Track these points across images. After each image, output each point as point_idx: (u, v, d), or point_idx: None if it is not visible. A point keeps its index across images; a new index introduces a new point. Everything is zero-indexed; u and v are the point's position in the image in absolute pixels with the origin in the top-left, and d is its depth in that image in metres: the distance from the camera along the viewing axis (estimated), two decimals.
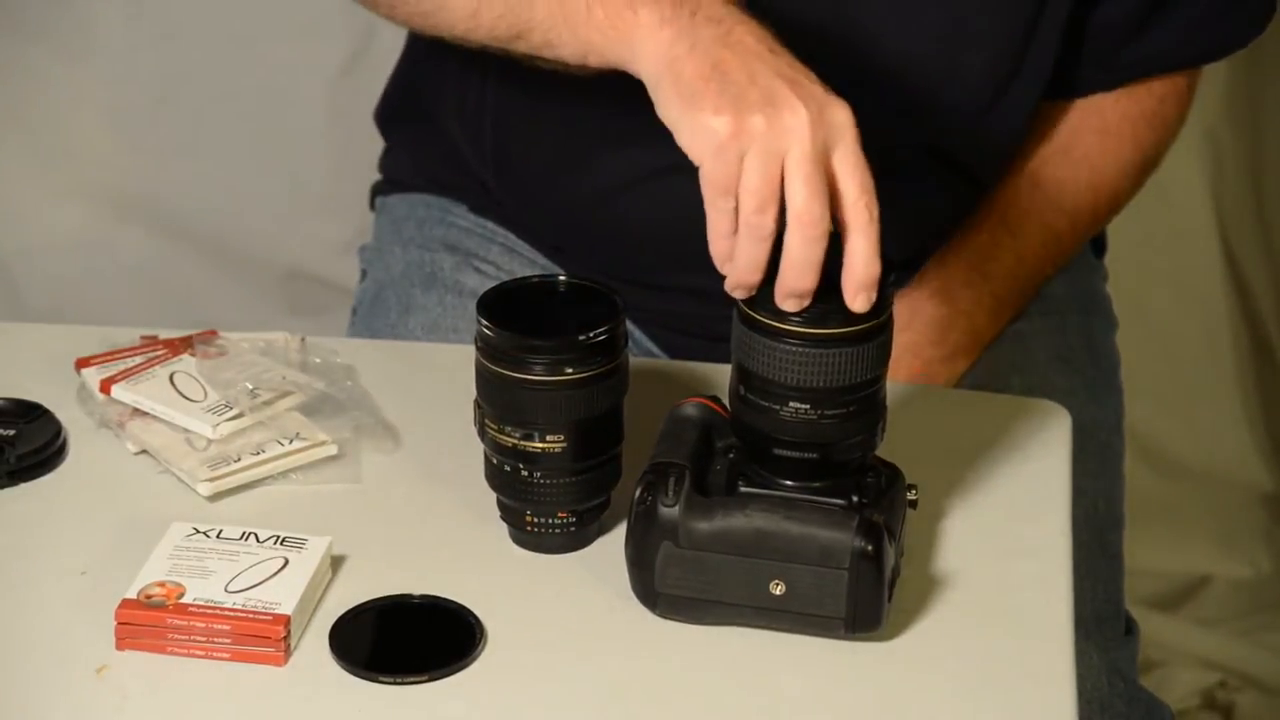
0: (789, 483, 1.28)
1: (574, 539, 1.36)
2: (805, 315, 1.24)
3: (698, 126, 1.23)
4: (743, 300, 1.26)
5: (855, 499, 1.27)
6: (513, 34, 1.37)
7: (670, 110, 1.25)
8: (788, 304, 1.23)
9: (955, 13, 1.56)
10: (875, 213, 1.23)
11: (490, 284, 1.37)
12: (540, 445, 1.32)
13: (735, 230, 1.23)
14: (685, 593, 1.27)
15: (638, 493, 1.27)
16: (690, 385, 1.50)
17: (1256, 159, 2.71)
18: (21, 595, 1.32)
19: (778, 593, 1.25)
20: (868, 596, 1.25)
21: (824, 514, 1.25)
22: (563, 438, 1.32)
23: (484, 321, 1.32)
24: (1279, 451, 2.77)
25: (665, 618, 1.28)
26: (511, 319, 1.32)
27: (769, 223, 1.22)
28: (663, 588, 1.27)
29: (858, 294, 1.23)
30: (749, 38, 1.26)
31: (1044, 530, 1.40)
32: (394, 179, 1.84)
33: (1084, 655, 1.31)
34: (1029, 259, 1.51)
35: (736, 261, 1.24)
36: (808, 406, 1.26)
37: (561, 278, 1.37)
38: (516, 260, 1.73)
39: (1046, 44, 1.59)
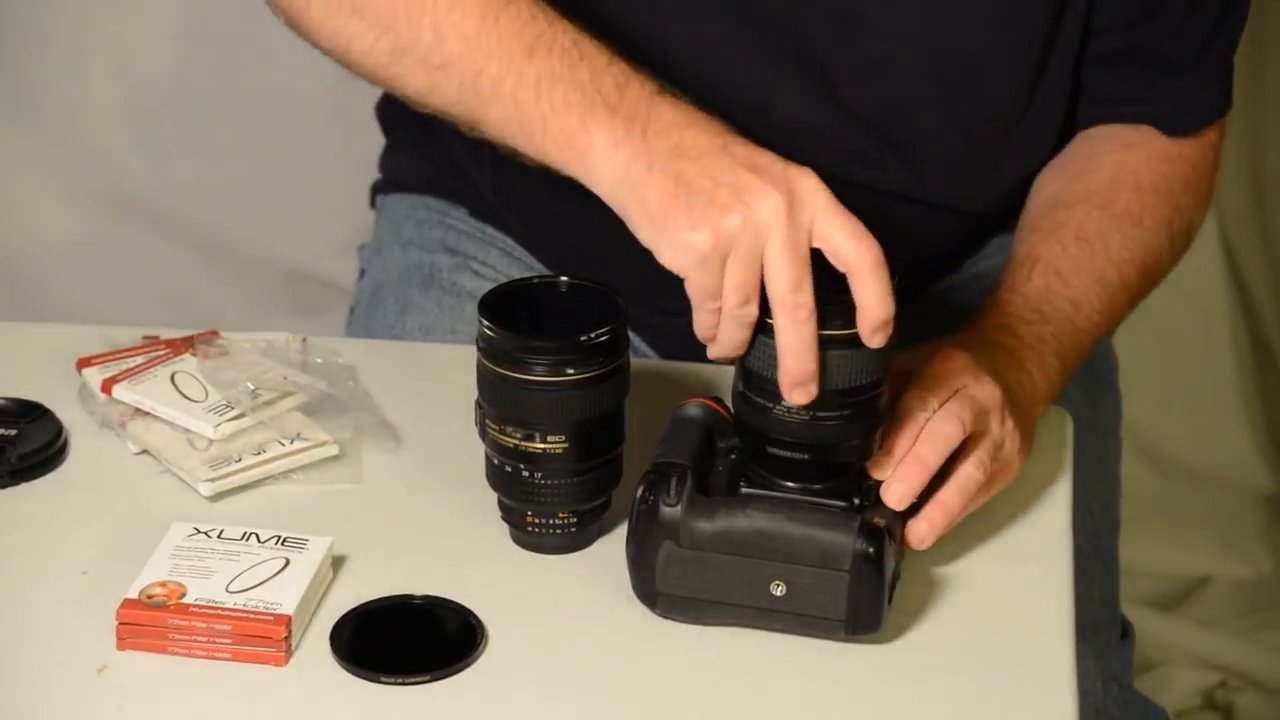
0: (790, 484, 1.28)
1: (575, 539, 1.36)
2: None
3: (678, 245, 1.25)
4: None
5: (857, 501, 1.28)
6: (467, 122, 1.38)
7: (646, 235, 1.28)
8: (796, 395, 1.25)
9: (965, 48, 1.55)
10: (877, 253, 1.24)
11: (488, 287, 1.37)
12: (541, 446, 1.32)
13: (719, 321, 1.27)
14: (685, 592, 1.27)
15: (639, 492, 1.27)
16: (691, 387, 1.51)
17: (1256, 159, 2.71)
18: (22, 595, 1.32)
19: (778, 594, 1.25)
20: (868, 599, 1.25)
21: (825, 515, 1.26)
22: (564, 438, 1.32)
23: (486, 322, 1.32)
24: (1279, 451, 2.77)
25: (665, 617, 1.28)
26: (513, 319, 1.32)
27: (752, 311, 1.26)
28: (663, 587, 1.27)
29: (874, 334, 1.25)
30: (701, 139, 1.28)
31: (1044, 532, 1.40)
32: (394, 179, 1.84)
33: (1080, 660, 1.30)
34: (1084, 308, 1.50)
35: (721, 342, 1.28)
36: (803, 407, 1.26)
37: (563, 278, 1.37)
38: (515, 265, 1.73)
39: (1055, 84, 1.59)
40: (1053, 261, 1.51)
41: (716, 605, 1.27)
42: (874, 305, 1.24)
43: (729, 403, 1.32)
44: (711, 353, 1.29)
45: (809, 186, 1.25)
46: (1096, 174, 1.59)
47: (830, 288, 1.25)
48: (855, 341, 1.25)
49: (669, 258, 1.26)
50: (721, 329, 1.27)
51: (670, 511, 1.26)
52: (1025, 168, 1.65)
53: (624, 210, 1.29)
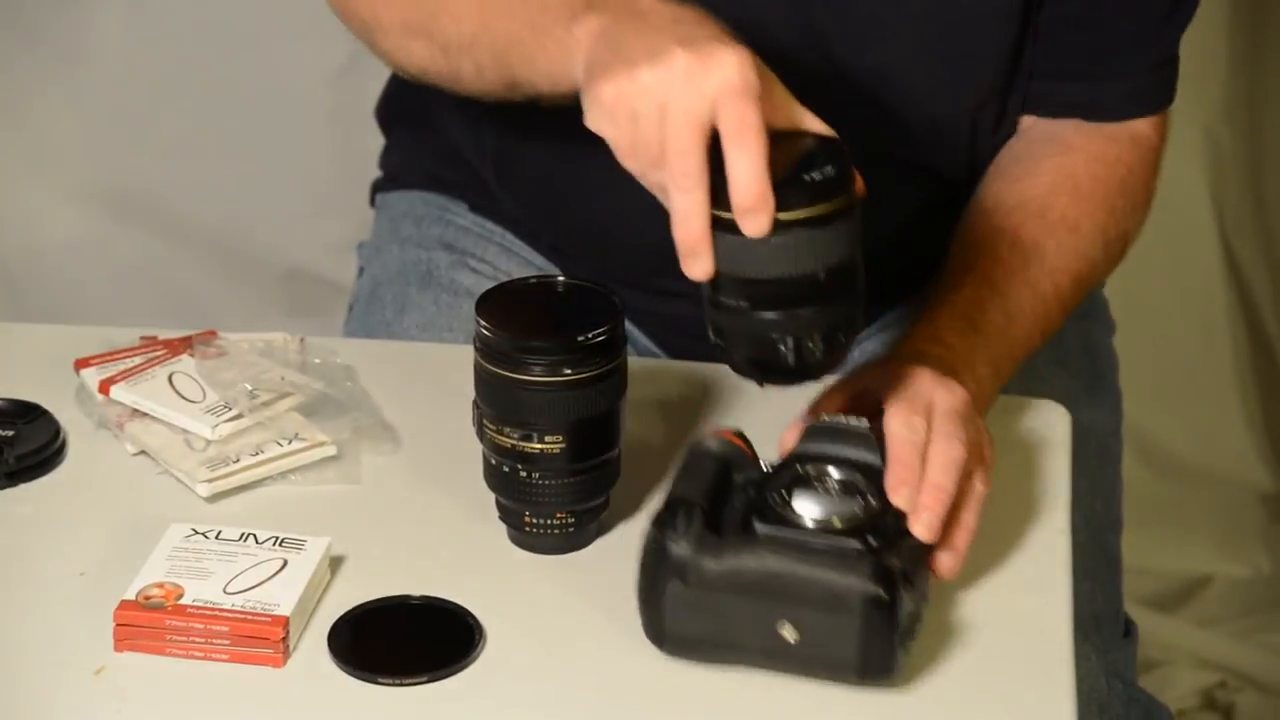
0: (801, 520, 1.24)
1: (573, 539, 1.36)
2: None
3: (590, 100, 1.26)
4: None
5: (872, 542, 1.23)
6: (507, 85, 1.41)
7: (582, 101, 1.27)
8: (689, 266, 1.23)
9: (950, 12, 1.56)
10: (755, 121, 1.22)
11: (486, 284, 1.37)
12: (539, 446, 1.32)
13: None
14: (694, 633, 1.24)
15: (649, 529, 1.24)
16: (690, 385, 1.50)
17: (1256, 159, 2.71)
18: (20, 596, 1.32)
19: (788, 636, 1.22)
20: (879, 644, 1.21)
21: (837, 557, 1.21)
22: (561, 438, 1.32)
23: (483, 322, 1.32)
24: (1279, 451, 2.77)
25: (673, 656, 1.25)
26: (510, 320, 1.32)
27: (661, 178, 1.23)
28: (671, 627, 1.24)
29: (745, 216, 1.22)
30: (660, 18, 1.27)
31: (1044, 532, 1.40)
32: (394, 175, 1.84)
33: (1082, 657, 1.30)
34: (1018, 318, 1.49)
35: (674, 225, 1.23)
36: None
37: (560, 278, 1.37)
38: (513, 260, 1.73)
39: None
40: (985, 271, 1.51)
41: (726, 647, 1.24)
42: (741, 179, 1.21)
43: (748, 434, 1.29)
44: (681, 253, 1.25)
45: (729, 60, 1.23)
46: (1036, 178, 1.58)
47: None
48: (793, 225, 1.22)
49: (587, 116, 1.27)
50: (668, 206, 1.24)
51: (678, 549, 1.22)
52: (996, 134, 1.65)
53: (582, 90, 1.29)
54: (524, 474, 1.33)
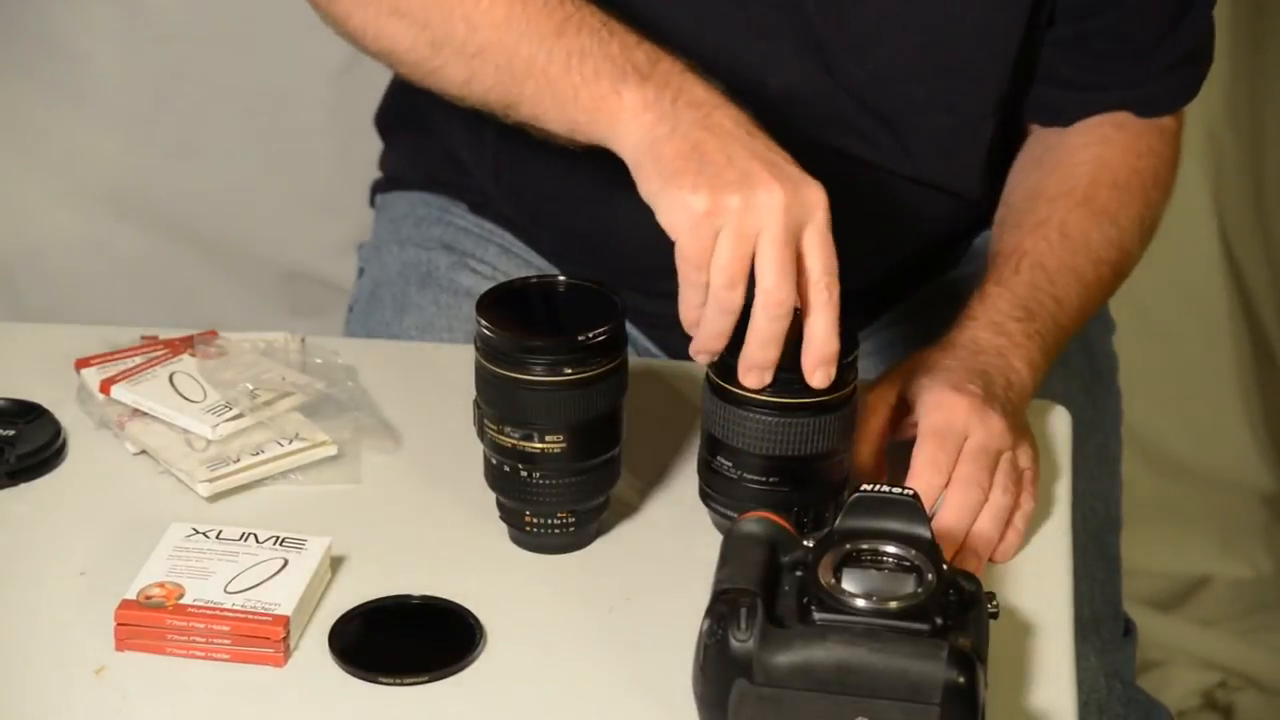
0: (861, 603, 1.17)
1: (573, 539, 1.36)
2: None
3: (675, 203, 1.28)
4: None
5: (939, 621, 1.17)
6: (503, 105, 1.41)
7: (650, 187, 1.30)
8: (749, 377, 1.29)
9: (951, 24, 1.56)
10: (835, 293, 1.28)
11: (485, 285, 1.38)
12: (539, 446, 1.32)
13: (704, 302, 1.29)
14: None
15: (706, 625, 1.16)
16: (690, 386, 1.50)
17: (1256, 159, 2.71)
18: (21, 596, 1.32)
19: None
20: None
21: (910, 643, 1.15)
22: (562, 438, 1.32)
23: (483, 322, 1.32)
24: (1279, 451, 2.77)
25: None
26: (511, 319, 1.32)
27: (737, 298, 1.28)
28: None
29: (815, 369, 1.29)
30: (728, 121, 1.31)
31: (1044, 530, 1.40)
32: (394, 176, 1.84)
33: (1082, 657, 1.31)
34: (1065, 305, 1.52)
35: (703, 330, 1.30)
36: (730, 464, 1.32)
37: (561, 278, 1.37)
38: (513, 261, 1.73)
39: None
40: (1039, 257, 1.53)
41: None
42: (819, 341, 1.28)
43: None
44: (694, 347, 1.31)
45: (813, 198, 1.28)
46: (1076, 169, 1.60)
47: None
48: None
49: (665, 215, 1.29)
50: (706, 314, 1.29)
51: (742, 646, 1.14)
52: (1015, 154, 1.66)
53: (638, 165, 1.31)
54: (525, 474, 1.33)
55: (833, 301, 1.28)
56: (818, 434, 1.31)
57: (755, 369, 1.29)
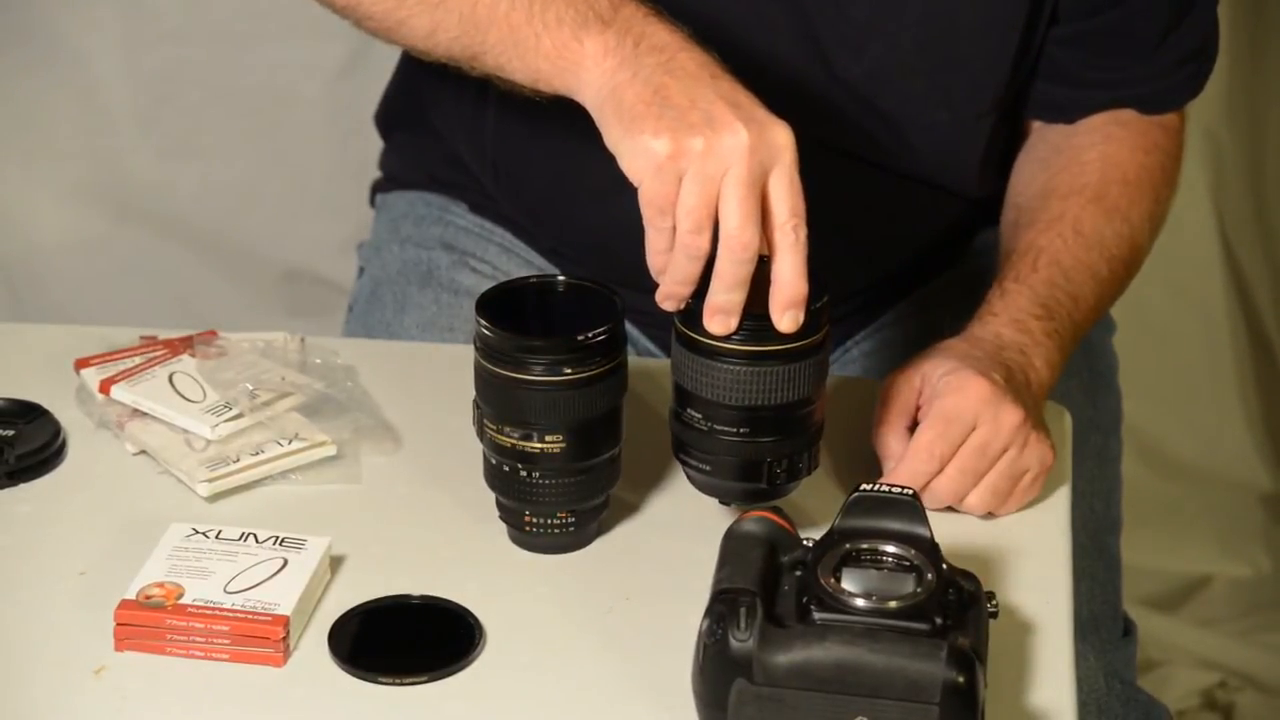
0: (861, 603, 1.17)
1: (573, 539, 1.36)
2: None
3: (638, 148, 1.26)
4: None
5: (939, 621, 1.17)
6: (468, 56, 1.40)
7: (612, 134, 1.29)
8: (714, 323, 1.27)
9: (949, 20, 1.56)
10: (803, 235, 1.26)
11: (486, 284, 1.37)
12: (539, 445, 1.32)
13: (671, 247, 1.27)
14: None
15: (706, 624, 1.16)
16: None
17: (1256, 159, 2.71)
18: (20, 595, 1.32)
19: None
20: None
21: (910, 643, 1.15)
22: (561, 438, 1.32)
23: (483, 322, 1.32)
24: (1279, 451, 2.77)
25: None
26: (510, 319, 1.32)
27: (703, 243, 1.26)
28: None
29: (784, 313, 1.27)
30: (691, 64, 1.29)
31: (1044, 530, 1.40)
32: (394, 176, 1.84)
33: (1081, 657, 1.31)
34: (1081, 302, 1.52)
35: (669, 275, 1.28)
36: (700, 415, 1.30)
37: (560, 278, 1.37)
38: (513, 260, 1.73)
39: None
40: (1055, 255, 1.53)
41: None
42: (786, 283, 1.26)
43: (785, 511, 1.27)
44: (661, 293, 1.29)
45: (781, 140, 1.27)
46: (1085, 166, 1.60)
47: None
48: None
49: (627, 161, 1.27)
50: (673, 260, 1.27)
51: (742, 646, 1.15)
52: (1013, 153, 1.66)
53: (600, 113, 1.30)
54: (524, 473, 1.33)
55: (800, 243, 1.26)
56: (789, 382, 1.29)
57: (720, 313, 1.27)
